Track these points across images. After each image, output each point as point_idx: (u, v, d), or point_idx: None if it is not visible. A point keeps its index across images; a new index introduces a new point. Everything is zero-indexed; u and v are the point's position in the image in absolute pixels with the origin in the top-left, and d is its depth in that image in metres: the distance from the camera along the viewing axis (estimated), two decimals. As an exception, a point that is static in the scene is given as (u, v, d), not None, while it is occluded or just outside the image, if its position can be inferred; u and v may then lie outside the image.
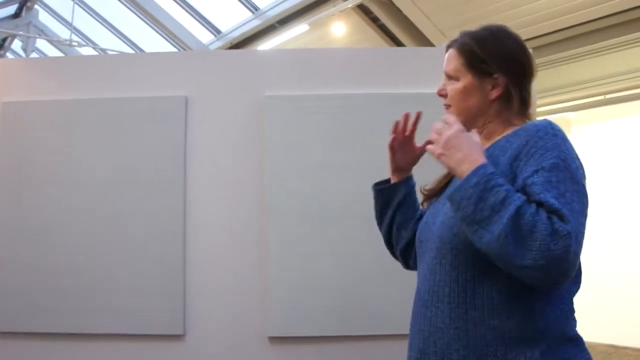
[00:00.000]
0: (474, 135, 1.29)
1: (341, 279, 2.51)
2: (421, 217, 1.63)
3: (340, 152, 2.59)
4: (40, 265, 2.58)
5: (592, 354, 1.35)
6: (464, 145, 1.26)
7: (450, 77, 1.46)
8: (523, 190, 1.20)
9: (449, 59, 1.47)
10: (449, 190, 1.31)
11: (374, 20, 6.59)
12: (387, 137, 1.57)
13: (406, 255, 1.67)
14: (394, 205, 1.65)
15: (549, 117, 6.17)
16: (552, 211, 1.14)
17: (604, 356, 5.30)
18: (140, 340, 2.55)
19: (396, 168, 1.63)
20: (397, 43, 6.49)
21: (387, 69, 2.69)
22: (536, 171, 1.21)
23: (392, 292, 2.45)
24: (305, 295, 2.52)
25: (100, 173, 2.62)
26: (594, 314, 4.78)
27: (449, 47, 1.49)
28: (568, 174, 1.21)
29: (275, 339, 2.53)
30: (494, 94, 1.41)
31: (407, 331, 1.53)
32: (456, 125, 1.28)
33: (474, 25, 1.47)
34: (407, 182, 1.65)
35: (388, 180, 1.67)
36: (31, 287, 2.57)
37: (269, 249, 2.56)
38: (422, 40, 6.05)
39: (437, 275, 1.35)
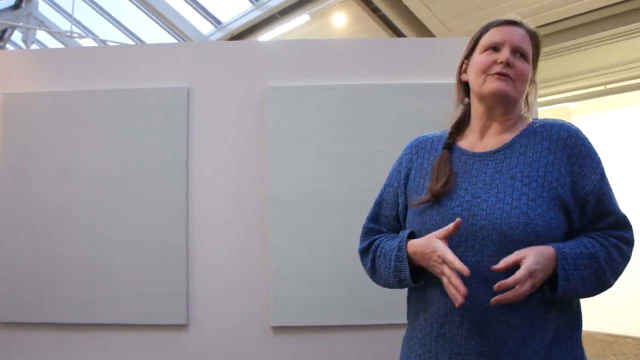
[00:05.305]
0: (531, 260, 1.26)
1: (343, 269, 2.52)
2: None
3: (342, 143, 2.60)
4: (43, 256, 2.60)
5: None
6: (540, 266, 1.27)
7: (521, 55, 1.46)
8: (597, 194, 1.37)
9: (524, 38, 1.47)
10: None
11: (375, 10, 6.58)
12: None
13: None
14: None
15: (550, 108, 6.18)
16: (621, 219, 1.40)
17: (604, 345, 5.32)
18: (144, 330, 2.57)
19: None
20: (398, 33, 6.48)
21: (388, 59, 2.69)
22: (600, 180, 1.39)
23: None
24: (307, 285, 2.54)
25: (103, 164, 2.64)
26: (594, 304, 4.78)
27: (515, 24, 1.48)
28: (606, 177, 1.43)
29: (278, 329, 2.55)
30: (528, 89, 1.51)
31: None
32: (522, 274, 1.24)
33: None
34: None
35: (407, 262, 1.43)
36: (34, 277, 2.59)
37: (272, 240, 2.57)
38: (423, 31, 6.04)
39: (502, 273, 1.27)
